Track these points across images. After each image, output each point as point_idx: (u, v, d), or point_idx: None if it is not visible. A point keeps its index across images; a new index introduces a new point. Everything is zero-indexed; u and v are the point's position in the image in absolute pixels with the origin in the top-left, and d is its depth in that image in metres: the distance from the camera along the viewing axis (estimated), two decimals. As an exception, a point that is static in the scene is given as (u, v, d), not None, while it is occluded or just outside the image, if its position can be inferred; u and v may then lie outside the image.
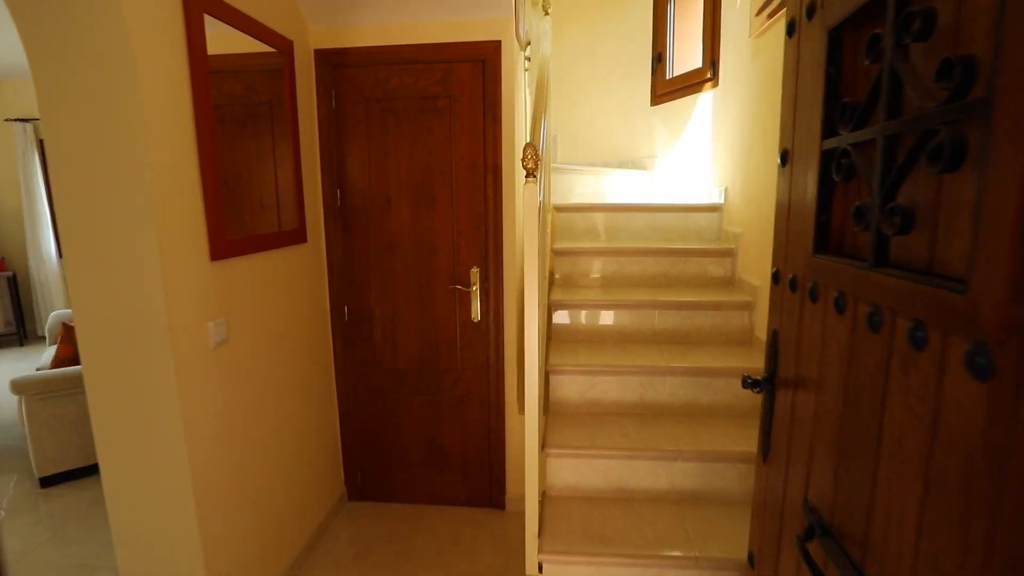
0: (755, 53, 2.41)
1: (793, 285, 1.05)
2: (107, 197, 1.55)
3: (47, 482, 3.00)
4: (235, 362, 1.89)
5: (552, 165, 3.10)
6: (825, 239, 0.93)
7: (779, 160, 1.13)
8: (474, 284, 2.42)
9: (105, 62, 1.48)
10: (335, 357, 2.59)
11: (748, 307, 2.39)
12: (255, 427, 2.01)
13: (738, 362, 2.20)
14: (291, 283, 2.24)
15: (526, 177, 1.65)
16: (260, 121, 2.17)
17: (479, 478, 2.64)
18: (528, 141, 1.65)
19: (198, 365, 1.71)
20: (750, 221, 2.46)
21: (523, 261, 1.80)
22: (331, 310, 2.55)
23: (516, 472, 2.62)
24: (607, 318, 2.49)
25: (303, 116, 2.34)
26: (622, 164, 3.72)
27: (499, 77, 2.32)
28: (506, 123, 2.35)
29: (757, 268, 2.37)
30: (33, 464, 2.97)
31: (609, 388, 2.25)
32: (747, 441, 1.99)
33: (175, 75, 1.61)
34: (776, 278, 1.16)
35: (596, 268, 2.73)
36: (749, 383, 1.19)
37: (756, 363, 2.18)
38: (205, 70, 1.72)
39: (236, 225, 1.98)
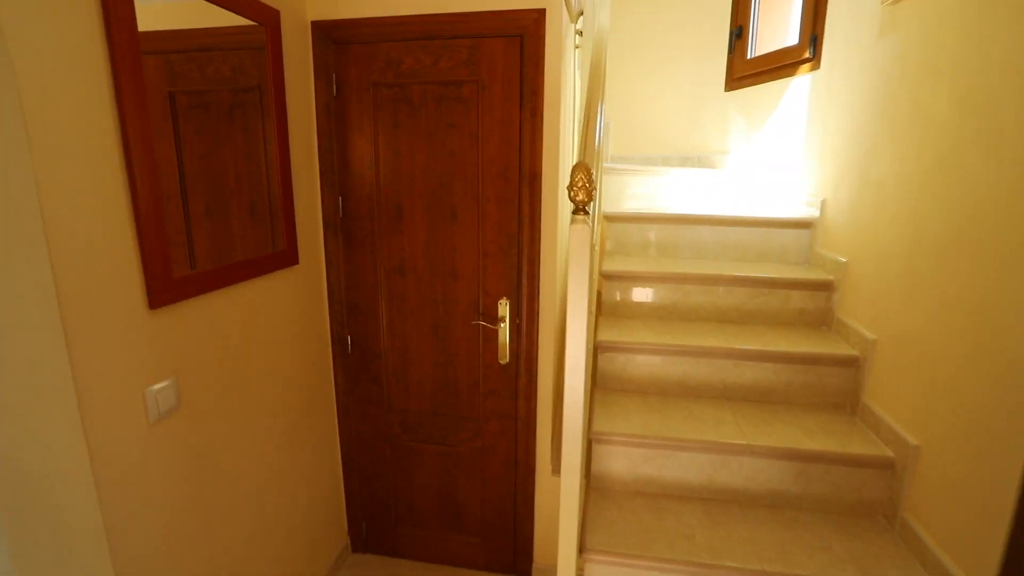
0: (888, 26, 1.74)
1: None
2: (-15, 232, 1.08)
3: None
4: (191, 432, 1.43)
5: (603, 164, 2.50)
6: None
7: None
8: (502, 320, 1.89)
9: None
10: (337, 395, 2.12)
11: (854, 364, 1.79)
12: (224, 498, 1.56)
13: (839, 442, 1.62)
14: (278, 316, 1.76)
15: (574, 212, 1.09)
16: (249, 111, 1.68)
17: (501, 542, 2.15)
18: (579, 160, 1.08)
19: (131, 448, 1.26)
20: (864, 249, 1.83)
21: (564, 306, 1.27)
22: (332, 342, 2.07)
23: (545, 540, 2.12)
24: (667, 366, 1.93)
25: (298, 105, 1.83)
26: (685, 161, 3.08)
27: (541, 57, 1.74)
28: (549, 118, 1.78)
29: (870, 313, 1.76)
30: None
31: (668, 465, 1.71)
32: (857, 564, 1.43)
33: (80, 50, 1.11)
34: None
35: (653, 295, 2.15)
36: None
37: (866, 446, 1.59)
38: (132, 45, 1.21)
39: (213, 249, 1.50)
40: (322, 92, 1.90)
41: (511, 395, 1.99)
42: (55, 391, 1.14)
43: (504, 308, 1.90)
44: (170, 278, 1.33)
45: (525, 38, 1.74)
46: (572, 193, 1.07)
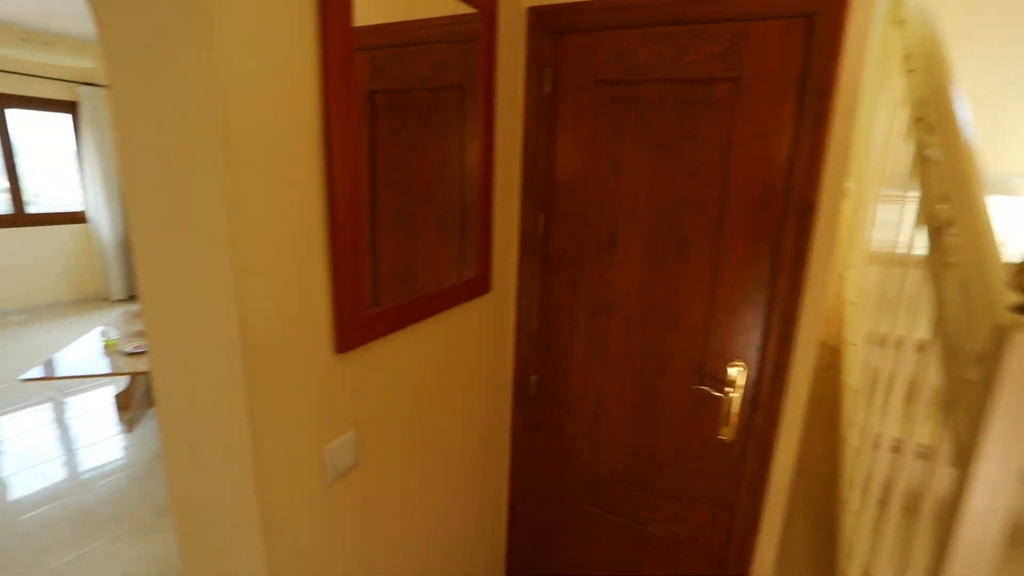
0: None
1: None
2: (175, 263, 0.89)
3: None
4: (365, 492, 1.19)
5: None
6: None
7: None
8: (732, 387, 1.43)
9: (167, 33, 0.78)
10: (513, 442, 1.82)
11: None
12: (388, 561, 1.32)
13: None
14: (464, 353, 1.49)
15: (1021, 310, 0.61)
16: (448, 113, 1.41)
17: (691, 651, 1.71)
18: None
19: (303, 515, 1.03)
20: None
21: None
22: (513, 381, 1.76)
23: (752, 665, 1.63)
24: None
25: (504, 106, 1.53)
26: (964, 180, 2.29)
27: (839, 45, 1.23)
28: (839, 129, 1.26)
29: None
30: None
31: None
32: None
33: (290, 44, 0.87)
34: None
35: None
36: None
37: None
38: (346, 41, 0.95)
39: (400, 272, 1.26)
40: (533, 91, 1.57)
41: (731, 480, 1.52)
42: (232, 454, 0.93)
43: (737, 374, 1.43)
44: (362, 316, 1.08)
45: (817, 18, 1.24)
46: (1026, 279, 0.59)
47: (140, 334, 3.38)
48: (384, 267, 1.24)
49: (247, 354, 0.86)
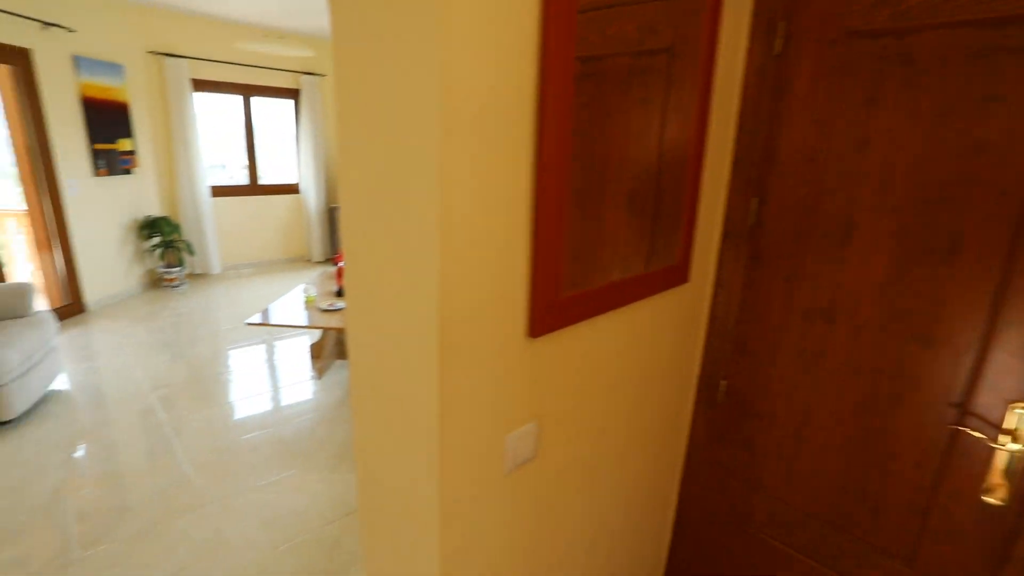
0: None
1: None
2: (381, 236, 0.85)
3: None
4: (540, 486, 1.10)
5: None
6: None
7: None
8: (1010, 435, 1.06)
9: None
10: (689, 450, 1.61)
11: None
12: (551, 564, 1.23)
13: None
14: (651, 348, 1.32)
15: None
16: (651, 80, 1.23)
17: None
18: None
19: (480, 502, 0.97)
20: None
21: None
22: (699, 383, 1.55)
23: None
24: None
25: (720, 70, 1.29)
26: None
27: None
28: None
29: None
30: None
31: None
32: None
33: (509, 26, 0.76)
34: None
35: None
36: None
37: None
38: (570, 6, 0.83)
39: (587, 256, 1.13)
40: (757, 50, 1.31)
41: (993, 556, 1.15)
42: (418, 427, 0.89)
43: (1022, 419, 1.06)
44: (556, 300, 0.96)
45: None
46: None
47: (333, 293, 3.76)
48: (568, 250, 1.12)
49: (443, 329, 0.80)
